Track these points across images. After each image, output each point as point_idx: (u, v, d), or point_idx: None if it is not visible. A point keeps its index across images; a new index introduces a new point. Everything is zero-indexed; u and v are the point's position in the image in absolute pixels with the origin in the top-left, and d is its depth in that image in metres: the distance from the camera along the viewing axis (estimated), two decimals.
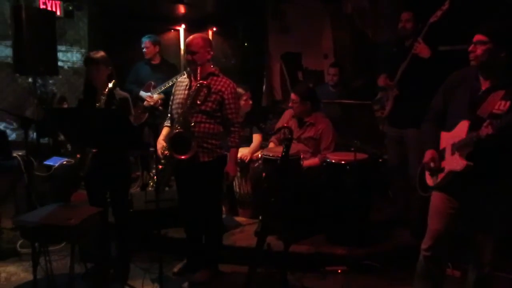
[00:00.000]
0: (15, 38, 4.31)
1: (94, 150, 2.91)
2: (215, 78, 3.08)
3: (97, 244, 3.17)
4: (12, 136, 5.19)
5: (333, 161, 3.53)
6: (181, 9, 6.26)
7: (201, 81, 2.95)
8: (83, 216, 2.59)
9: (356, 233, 3.46)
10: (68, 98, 5.10)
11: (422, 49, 3.36)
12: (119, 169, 3.11)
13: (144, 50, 4.89)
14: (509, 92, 2.20)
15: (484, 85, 2.30)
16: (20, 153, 3.98)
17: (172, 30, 6.73)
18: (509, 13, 3.98)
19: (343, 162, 3.48)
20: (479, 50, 2.23)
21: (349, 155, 3.52)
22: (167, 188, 3.87)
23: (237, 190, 4.14)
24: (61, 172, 4.15)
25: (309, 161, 3.75)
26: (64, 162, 4.19)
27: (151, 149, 3.16)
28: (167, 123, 3.24)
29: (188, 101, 2.97)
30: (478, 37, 2.25)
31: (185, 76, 3.20)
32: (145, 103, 4.79)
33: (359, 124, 3.49)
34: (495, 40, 2.21)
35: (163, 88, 4.73)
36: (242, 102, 4.14)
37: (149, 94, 4.80)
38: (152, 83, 4.84)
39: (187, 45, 3.04)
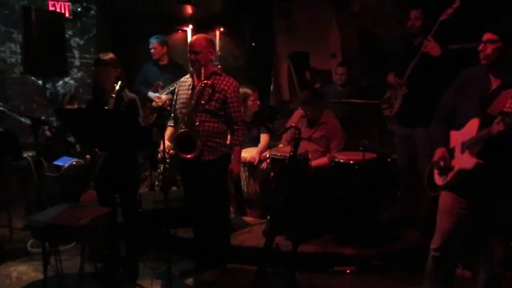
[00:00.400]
0: (25, 40, 4.36)
1: (103, 152, 2.93)
2: (217, 77, 3.11)
3: (106, 244, 3.19)
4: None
5: (342, 160, 3.52)
6: (188, 9, 6.27)
7: (205, 81, 2.98)
8: (92, 216, 2.61)
9: (365, 233, 3.44)
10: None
11: (432, 47, 3.34)
12: (128, 169, 3.13)
13: (152, 50, 4.90)
14: None
15: (495, 83, 2.28)
16: (30, 154, 4.03)
17: (180, 31, 6.75)
18: None
19: (351, 161, 3.46)
20: (489, 49, 2.22)
21: (358, 155, 3.50)
22: (175, 188, 3.89)
23: (245, 190, 4.15)
24: (70, 173, 4.18)
25: (318, 161, 3.75)
26: (74, 163, 4.22)
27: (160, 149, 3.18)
28: (171, 122, 3.27)
29: (193, 101, 3.00)
30: (487, 36, 2.23)
31: (188, 76, 3.22)
32: (153, 103, 4.81)
33: (368, 123, 3.48)
34: (505, 38, 2.19)
35: (171, 89, 4.75)
36: (249, 103, 4.15)
37: (157, 94, 4.82)
38: (160, 83, 4.86)
39: (190, 45, 3.07)
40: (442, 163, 2.40)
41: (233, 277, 3.31)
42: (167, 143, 3.12)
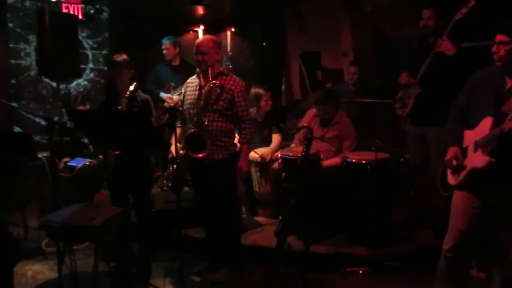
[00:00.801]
0: (39, 42, 4.42)
1: (116, 153, 2.96)
2: (224, 77, 3.14)
3: (119, 244, 3.22)
4: None
5: (354, 160, 3.51)
6: (200, 10, 6.29)
7: (213, 81, 3.01)
8: (106, 216, 2.64)
9: (377, 234, 3.43)
10: None
11: (447, 47, 3.31)
12: (141, 169, 3.16)
13: (164, 51, 4.93)
14: None
15: (509, 82, 2.26)
16: (45, 154, 4.08)
17: (191, 31, 6.78)
18: None
19: (363, 161, 3.44)
20: (502, 50, 2.21)
21: (370, 155, 3.49)
22: (186, 188, 3.91)
23: (257, 190, 4.15)
24: (84, 173, 4.23)
25: (330, 161, 3.73)
26: (87, 163, 4.27)
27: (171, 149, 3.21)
28: (179, 123, 3.29)
29: (201, 101, 3.03)
30: (499, 37, 2.22)
31: (194, 77, 3.24)
32: (165, 104, 4.83)
33: (380, 123, 3.45)
34: None
35: (183, 90, 4.76)
36: (262, 103, 4.17)
37: (169, 95, 4.85)
38: (172, 84, 4.88)
39: (197, 46, 3.10)
40: (454, 162, 2.38)
41: (244, 277, 3.31)
42: (175, 144, 3.14)
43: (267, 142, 4.21)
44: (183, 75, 4.88)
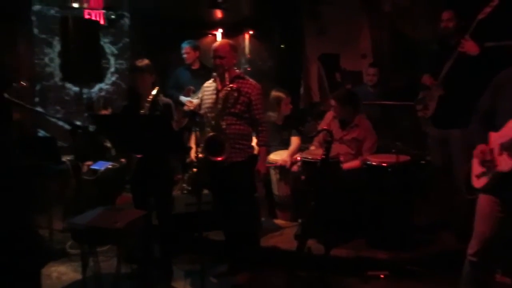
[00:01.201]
0: (63, 48, 4.52)
1: (138, 156, 3.01)
2: (241, 81, 3.16)
3: (141, 246, 3.27)
4: None
5: (374, 163, 3.48)
6: (218, 14, 6.34)
7: (231, 85, 3.04)
8: (128, 219, 2.68)
9: (399, 237, 3.39)
10: None
11: (470, 46, 3.26)
12: (162, 173, 3.20)
13: (184, 55, 4.98)
14: None
15: None
16: (68, 158, 4.17)
17: (209, 35, 6.84)
18: None
19: (384, 164, 3.41)
20: None
21: (390, 157, 3.45)
22: (206, 191, 3.94)
23: (276, 192, 4.16)
24: (106, 176, 4.30)
25: (350, 164, 3.71)
26: (109, 166, 4.35)
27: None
28: (197, 128, 3.33)
29: (219, 105, 3.06)
30: None
31: (211, 81, 3.27)
32: (185, 107, 4.88)
33: (401, 125, 3.42)
34: None
35: (200, 94, 4.80)
36: (282, 107, 4.17)
37: (189, 98, 4.89)
38: (192, 88, 4.92)
39: (214, 51, 3.13)
40: (488, 156, 2.30)
41: (264, 280, 3.31)
42: (193, 147, 3.18)
43: (286, 145, 4.21)
44: (203, 78, 4.89)
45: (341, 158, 3.63)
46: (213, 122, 3.08)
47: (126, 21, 6.09)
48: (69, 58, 4.43)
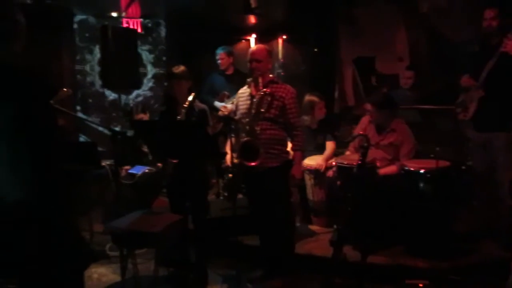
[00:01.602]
0: (103, 56, 4.69)
1: (174, 161, 3.07)
2: (275, 85, 3.18)
3: (178, 250, 3.32)
4: None
5: (412, 169, 3.40)
6: (252, 19, 6.38)
7: (264, 90, 3.05)
8: (166, 223, 2.74)
9: (439, 245, 3.29)
10: None
11: None
12: (198, 177, 3.24)
13: (219, 61, 5.03)
14: None
15: None
16: (108, 162, 4.30)
17: (243, 40, 6.90)
18: None
19: (422, 170, 3.33)
20: None
21: (429, 163, 3.36)
22: (241, 196, 3.97)
23: (311, 198, 4.13)
24: (143, 180, 4.41)
25: (387, 169, 3.64)
26: (146, 171, 4.45)
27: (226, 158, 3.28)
28: (233, 134, 3.35)
29: (253, 110, 3.07)
30: None
31: (245, 87, 3.29)
32: (219, 112, 4.93)
33: (440, 129, 3.33)
34: None
35: (235, 100, 4.84)
36: (316, 111, 4.15)
37: (223, 104, 4.94)
38: (226, 93, 4.97)
39: (252, 54, 3.17)
40: None
41: (299, 286, 3.29)
42: (229, 153, 3.21)
43: (321, 149, 4.18)
44: (237, 84, 4.95)
45: (378, 164, 3.57)
46: (247, 127, 3.10)
47: (162, 28, 6.23)
48: (108, 65, 4.59)
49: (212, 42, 5.39)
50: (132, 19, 5.98)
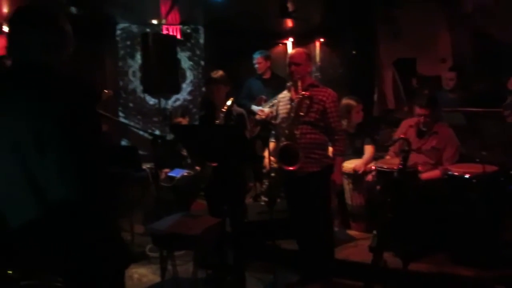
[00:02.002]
0: (144, 62, 4.82)
1: (213, 164, 3.10)
2: (315, 89, 3.13)
3: (216, 252, 3.35)
4: None
5: (456, 173, 3.27)
6: (289, 23, 6.38)
7: (302, 93, 3.02)
8: (204, 226, 2.77)
9: (485, 253, 3.15)
10: None
11: None
12: (236, 181, 3.27)
13: (256, 65, 5.05)
14: None
15: None
16: (148, 165, 4.41)
17: (280, 44, 6.91)
18: None
19: (467, 175, 3.20)
20: None
21: (475, 167, 3.23)
22: (279, 200, 3.96)
23: (350, 202, 4.06)
24: (182, 183, 4.49)
25: (429, 174, 3.52)
26: (185, 174, 4.53)
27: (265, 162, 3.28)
28: (272, 138, 3.35)
29: (292, 114, 3.04)
30: None
31: (285, 91, 3.27)
32: (256, 116, 4.95)
33: (486, 132, 3.19)
34: None
35: (274, 102, 4.85)
36: (353, 114, 4.09)
37: (260, 108, 4.96)
38: (264, 97, 4.98)
39: (291, 58, 3.15)
40: None
41: None
42: (267, 156, 3.21)
43: (359, 153, 4.11)
44: (274, 88, 4.97)
45: (420, 168, 3.46)
46: (286, 131, 3.08)
47: (201, 34, 6.35)
48: (149, 71, 4.72)
49: (250, 46, 5.43)
50: (172, 26, 6.12)
